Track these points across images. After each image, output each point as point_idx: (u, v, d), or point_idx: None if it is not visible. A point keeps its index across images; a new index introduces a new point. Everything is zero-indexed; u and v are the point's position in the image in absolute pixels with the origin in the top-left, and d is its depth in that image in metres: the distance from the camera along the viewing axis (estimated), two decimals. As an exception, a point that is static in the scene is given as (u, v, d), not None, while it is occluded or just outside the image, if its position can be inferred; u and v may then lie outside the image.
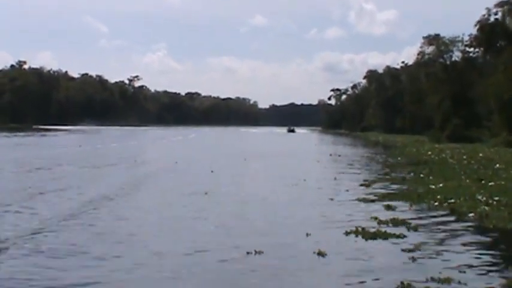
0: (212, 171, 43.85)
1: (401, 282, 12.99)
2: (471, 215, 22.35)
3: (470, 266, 15.02)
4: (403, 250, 16.62)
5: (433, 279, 13.35)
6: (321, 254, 16.13)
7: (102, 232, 19.32)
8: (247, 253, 16.20)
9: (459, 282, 13.23)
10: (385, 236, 18.48)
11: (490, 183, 31.76)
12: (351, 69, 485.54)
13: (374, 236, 18.56)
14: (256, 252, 16.24)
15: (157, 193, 30.94)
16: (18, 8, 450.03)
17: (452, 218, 22.31)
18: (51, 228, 19.56)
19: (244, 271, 14.81)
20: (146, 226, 21.01)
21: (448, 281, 13.28)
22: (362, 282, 13.65)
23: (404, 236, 18.58)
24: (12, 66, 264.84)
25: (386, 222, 20.82)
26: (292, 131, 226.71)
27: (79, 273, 14.23)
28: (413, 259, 15.52)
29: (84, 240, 17.90)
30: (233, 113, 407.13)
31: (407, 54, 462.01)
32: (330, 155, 68.22)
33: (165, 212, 24.15)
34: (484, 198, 25.54)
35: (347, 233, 19.07)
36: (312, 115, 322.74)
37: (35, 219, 21.22)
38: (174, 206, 25.81)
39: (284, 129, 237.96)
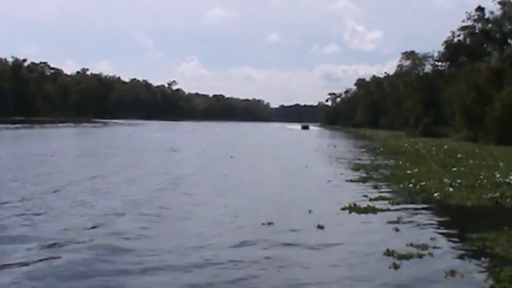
0: (232, 157, 43.77)
1: (387, 249, 12.86)
2: (437, 194, 22.54)
3: (440, 234, 15.22)
4: (388, 222, 16.70)
5: (412, 245, 13.39)
6: (320, 227, 15.80)
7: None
8: (262, 224, 15.77)
9: (434, 247, 13.32)
10: (374, 211, 18.53)
11: (453, 169, 31.91)
12: (345, 77, 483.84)
13: (365, 210, 18.59)
14: (269, 223, 15.84)
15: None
16: (84, 26, 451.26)
17: (423, 196, 22.49)
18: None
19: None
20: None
21: (424, 246, 13.32)
22: (355, 250, 13.51)
23: (389, 210, 18.72)
24: (78, 72, 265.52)
25: (375, 199, 20.89)
26: (306, 127, 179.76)
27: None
28: (397, 229, 15.57)
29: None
30: (250, 111, 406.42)
31: (389, 66, 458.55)
32: (328, 145, 68.17)
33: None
34: (449, 181, 25.65)
35: (343, 209, 18.98)
36: (313, 113, 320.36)
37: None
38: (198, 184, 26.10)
39: (296, 125, 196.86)
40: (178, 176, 29.18)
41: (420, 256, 12.57)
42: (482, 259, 12.58)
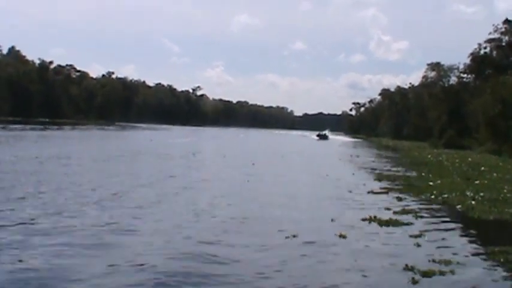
0: (253, 164, 43.93)
1: (406, 265, 12.63)
2: (459, 207, 22.37)
3: (463, 249, 14.96)
4: (410, 236, 16.44)
5: (434, 261, 13.18)
6: (342, 236, 15.71)
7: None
8: (286, 237, 15.47)
9: (457, 263, 13.10)
10: (396, 223, 18.27)
11: (476, 182, 31.69)
12: (369, 87, 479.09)
13: (387, 223, 18.35)
14: (293, 236, 15.56)
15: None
16: (111, 30, 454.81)
17: (445, 209, 22.35)
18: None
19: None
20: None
21: (447, 262, 13.11)
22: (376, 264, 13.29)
23: (411, 224, 18.43)
24: (103, 75, 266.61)
25: (397, 212, 20.68)
26: (324, 137, 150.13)
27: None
28: (418, 244, 15.27)
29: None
30: (274, 118, 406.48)
31: (414, 77, 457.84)
32: (351, 155, 67.95)
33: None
34: (471, 194, 25.47)
35: (364, 220, 18.79)
36: (336, 123, 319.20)
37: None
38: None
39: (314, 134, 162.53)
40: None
41: (442, 273, 12.35)
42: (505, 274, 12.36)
